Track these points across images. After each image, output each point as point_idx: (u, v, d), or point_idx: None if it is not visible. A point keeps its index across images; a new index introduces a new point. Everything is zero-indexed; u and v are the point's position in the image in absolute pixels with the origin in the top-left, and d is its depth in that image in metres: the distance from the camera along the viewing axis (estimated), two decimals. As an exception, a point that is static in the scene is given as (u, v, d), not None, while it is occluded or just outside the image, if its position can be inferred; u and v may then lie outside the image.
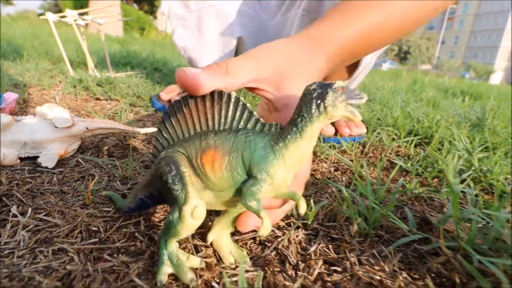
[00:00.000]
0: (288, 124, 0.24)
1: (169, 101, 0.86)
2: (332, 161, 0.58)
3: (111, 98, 0.90)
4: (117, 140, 0.57)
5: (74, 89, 0.93)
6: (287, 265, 0.28)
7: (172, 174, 0.24)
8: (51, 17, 1.14)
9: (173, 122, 0.26)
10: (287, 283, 0.25)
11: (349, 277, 0.26)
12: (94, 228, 0.30)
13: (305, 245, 0.31)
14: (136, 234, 0.30)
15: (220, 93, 0.25)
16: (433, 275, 0.28)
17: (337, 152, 0.61)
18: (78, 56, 1.71)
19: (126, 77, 1.20)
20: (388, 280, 0.26)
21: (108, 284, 0.23)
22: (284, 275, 0.26)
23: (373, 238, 0.33)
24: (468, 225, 0.33)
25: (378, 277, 0.26)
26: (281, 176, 0.24)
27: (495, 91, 2.53)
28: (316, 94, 0.23)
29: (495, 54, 44.76)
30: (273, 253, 0.29)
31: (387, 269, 0.27)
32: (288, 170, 0.24)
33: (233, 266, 0.27)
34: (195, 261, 0.26)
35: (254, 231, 0.32)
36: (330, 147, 0.63)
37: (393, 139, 0.73)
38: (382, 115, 0.88)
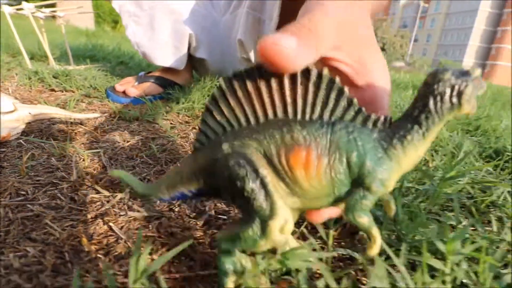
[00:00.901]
0: (404, 120, 0.20)
1: (124, 92, 0.91)
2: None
3: (66, 89, 0.94)
4: (63, 126, 0.62)
5: (29, 80, 0.96)
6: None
7: (250, 179, 0.19)
8: (7, 9, 1.15)
9: (232, 102, 0.20)
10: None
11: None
12: (22, 192, 0.36)
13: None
14: (59, 195, 0.36)
15: (307, 70, 0.19)
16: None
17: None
18: (40, 49, 1.70)
19: (85, 69, 1.23)
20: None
21: (24, 226, 0.30)
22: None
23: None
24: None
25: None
26: (392, 185, 0.20)
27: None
28: (450, 85, 0.18)
29: (464, 52, 46.79)
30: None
31: None
32: (398, 177, 0.20)
33: None
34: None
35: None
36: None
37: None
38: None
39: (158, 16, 0.89)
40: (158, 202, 0.29)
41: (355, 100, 0.20)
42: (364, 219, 0.19)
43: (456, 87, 0.18)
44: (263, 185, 0.19)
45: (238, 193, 0.20)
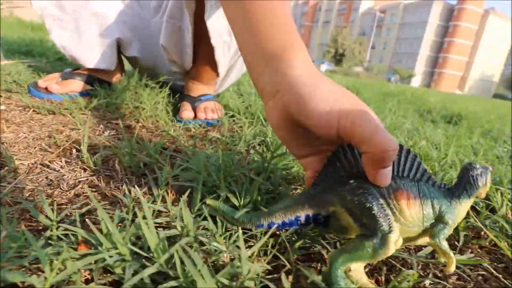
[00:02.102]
0: (456, 188, 0.31)
1: (46, 88, 0.92)
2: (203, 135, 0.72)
3: (-15, 84, 0.93)
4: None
5: None
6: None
7: (377, 203, 0.27)
8: None
9: (351, 158, 0.29)
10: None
11: None
12: None
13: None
14: None
15: (401, 146, 0.30)
16: None
17: (182, 130, 0.77)
18: (-32, 41, 1.62)
19: (12, 64, 1.21)
20: None
21: None
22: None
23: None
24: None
25: None
26: (456, 224, 0.30)
27: (376, 87, 2.97)
28: (481, 173, 0.31)
29: (415, 60, 50.26)
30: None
31: None
32: (458, 222, 0.30)
33: None
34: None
35: None
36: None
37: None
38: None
39: (83, 19, 0.91)
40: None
41: (428, 169, 0.31)
42: (445, 243, 0.28)
43: (484, 175, 0.31)
44: (385, 208, 0.27)
45: (366, 213, 0.27)
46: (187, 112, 0.89)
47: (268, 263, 0.31)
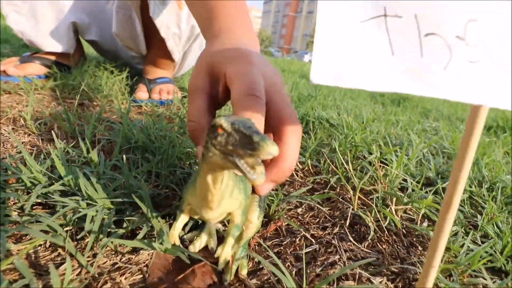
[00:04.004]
0: None
1: (4, 72, 0.97)
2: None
3: None
4: None
5: None
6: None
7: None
8: None
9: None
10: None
11: None
12: None
13: None
14: None
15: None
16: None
17: (133, 107, 0.84)
18: None
19: (-27, 50, 1.23)
20: None
21: None
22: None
23: None
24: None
25: None
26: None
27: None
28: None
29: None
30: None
31: None
32: None
33: None
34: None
35: None
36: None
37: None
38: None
39: (39, 4, 0.96)
40: None
41: None
42: None
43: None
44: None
45: None
46: (141, 93, 0.97)
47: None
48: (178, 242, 0.30)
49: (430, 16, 0.20)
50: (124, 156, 0.37)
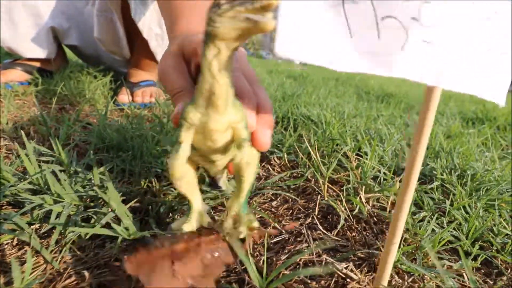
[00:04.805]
0: None
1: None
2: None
3: None
4: None
5: None
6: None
7: None
8: None
9: None
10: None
11: None
12: None
13: None
14: None
15: None
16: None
17: (115, 111, 0.84)
18: None
19: (-46, 59, 1.22)
20: None
21: None
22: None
23: None
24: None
25: None
26: None
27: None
28: None
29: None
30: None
31: None
32: None
33: None
34: None
35: None
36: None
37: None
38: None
39: (16, 10, 0.95)
40: None
41: None
42: None
43: None
44: None
45: None
46: (123, 96, 0.97)
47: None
48: (183, 175, 0.28)
49: (385, 0, 0.21)
50: (91, 152, 0.38)
